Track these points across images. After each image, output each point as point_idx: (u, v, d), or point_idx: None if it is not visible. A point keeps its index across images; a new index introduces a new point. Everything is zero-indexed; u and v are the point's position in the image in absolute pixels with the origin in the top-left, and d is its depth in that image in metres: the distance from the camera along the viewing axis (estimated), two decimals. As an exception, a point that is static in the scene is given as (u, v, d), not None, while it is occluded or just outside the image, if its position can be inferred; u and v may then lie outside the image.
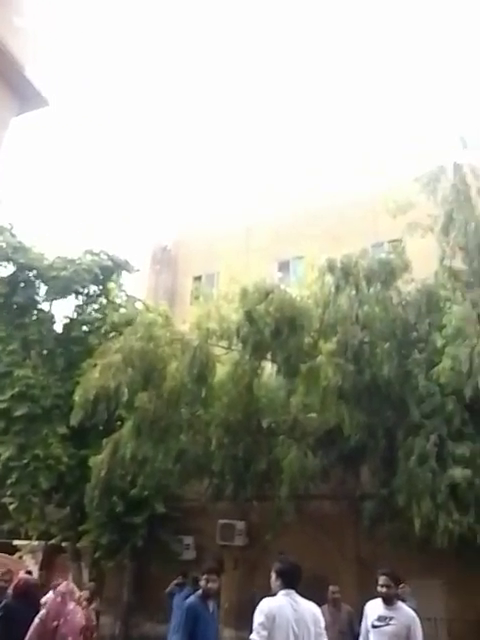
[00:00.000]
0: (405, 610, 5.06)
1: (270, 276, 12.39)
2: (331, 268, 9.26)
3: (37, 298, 12.94)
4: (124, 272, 14.10)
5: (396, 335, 8.94)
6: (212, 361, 9.23)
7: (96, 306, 13.58)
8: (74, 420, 9.47)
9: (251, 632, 3.50)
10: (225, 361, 9.72)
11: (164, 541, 11.79)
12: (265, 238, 16.43)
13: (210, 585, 5.39)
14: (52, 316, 13.14)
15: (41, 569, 14.22)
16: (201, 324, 9.57)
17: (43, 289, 12.93)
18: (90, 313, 13.44)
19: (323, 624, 3.69)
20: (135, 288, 15.28)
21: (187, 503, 11.80)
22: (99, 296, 13.64)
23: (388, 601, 5.05)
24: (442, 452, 8.03)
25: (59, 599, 5.22)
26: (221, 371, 9.59)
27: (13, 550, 14.05)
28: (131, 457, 9.16)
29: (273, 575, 3.80)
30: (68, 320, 13.27)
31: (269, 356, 9.48)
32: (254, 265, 14.12)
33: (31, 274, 12.72)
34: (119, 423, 10.38)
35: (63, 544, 12.77)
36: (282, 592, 3.67)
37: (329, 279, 9.36)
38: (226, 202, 19.44)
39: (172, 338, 9.67)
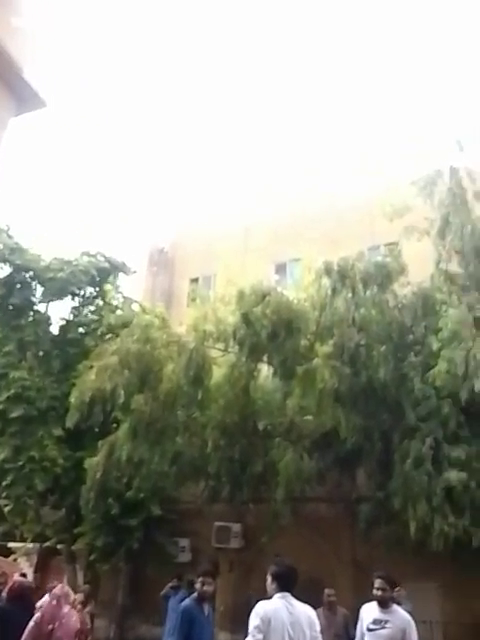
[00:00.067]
0: (401, 613, 5.06)
1: (267, 278, 12.39)
2: (328, 271, 9.27)
3: (33, 299, 12.93)
4: (121, 274, 14.11)
5: (392, 338, 8.95)
6: (208, 363, 9.24)
7: (92, 308, 13.59)
8: (70, 422, 9.47)
9: (246, 635, 3.49)
10: (221, 363, 9.72)
11: (160, 543, 11.77)
12: (262, 241, 16.46)
13: (205, 588, 5.38)
14: (48, 318, 13.12)
15: (36, 572, 14.19)
16: (198, 326, 9.56)
17: (39, 290, 12.92)
18: (86, 315, 13.44)
19: (319, 627, 3.68)
20: (132, 290, 15.28)
21: (183, 505, 11.78)
22: (96, 298, 13.65)
23: (384, 604, 5.04)
24: (438, 455, 8.03)
25: (54, 602, 5.20)
26: (217, 373, 9.59)
27: (8, 552, 14.00)
28: (127, 459, 9.16)
29: (269, 578, 3.79)
30: (64, 322, 13.26)
31: (265, 358, 9.48)
32: (251, 267, 14.15)
33: (27, 275, 12.71)
34: (115, 425, 10.38)
35: (58, 546, 12.75)
36: (278, 595, 3.66)
37: (326, 282, 9.37)
38: (223, 204, 19.41)
39: (168, 340, 9.67)
